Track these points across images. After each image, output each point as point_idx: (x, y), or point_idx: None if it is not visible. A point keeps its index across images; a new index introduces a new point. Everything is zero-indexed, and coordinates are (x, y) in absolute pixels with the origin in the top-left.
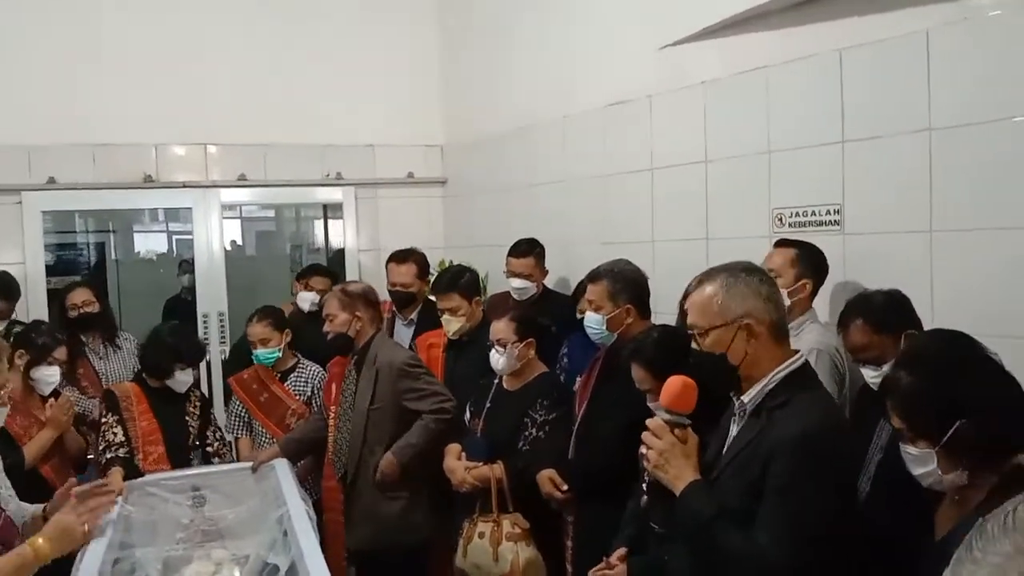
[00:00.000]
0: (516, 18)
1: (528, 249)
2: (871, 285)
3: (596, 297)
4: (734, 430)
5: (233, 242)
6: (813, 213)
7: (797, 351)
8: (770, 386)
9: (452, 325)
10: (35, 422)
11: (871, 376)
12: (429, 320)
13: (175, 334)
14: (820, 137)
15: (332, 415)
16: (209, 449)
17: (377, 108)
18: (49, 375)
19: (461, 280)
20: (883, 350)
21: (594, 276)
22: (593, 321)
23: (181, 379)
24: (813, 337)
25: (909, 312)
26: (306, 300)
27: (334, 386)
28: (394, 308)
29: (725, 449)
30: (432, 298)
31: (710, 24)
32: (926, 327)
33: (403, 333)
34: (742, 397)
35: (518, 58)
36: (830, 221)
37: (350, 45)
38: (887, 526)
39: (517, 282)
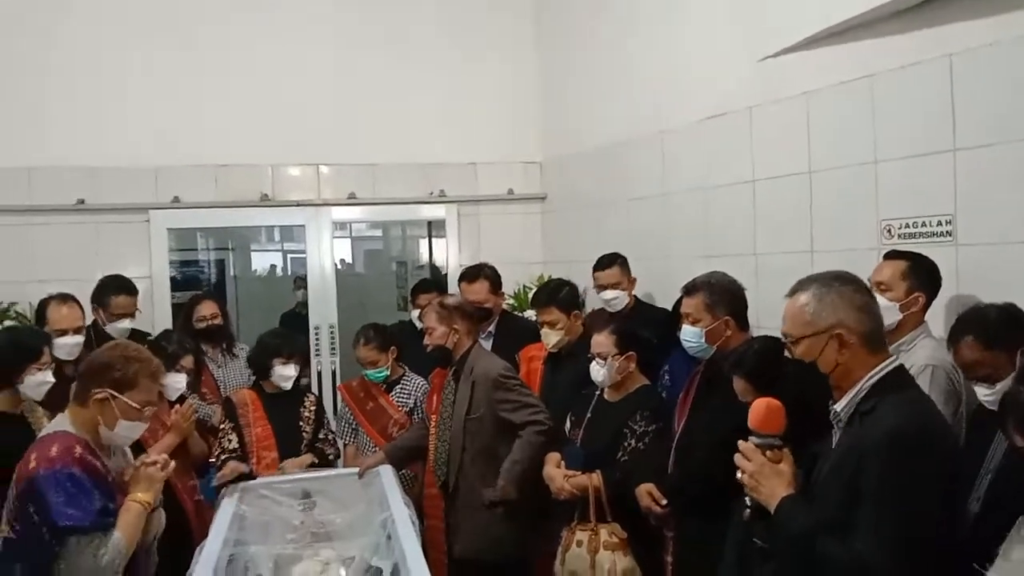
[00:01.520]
0: (614, 33)
1: (611, 260)
2: (986, 299)
3: (693, 310)
4: (834, 439)
5: (343, 260)
6: (924, 224)
7: (892, 356)
8: (862, 393)
9: (551, 338)
10: (161, 426)
11: (984, 394)
12: (508, 332)
13: (272, 333)
14: (930, 146)
15: (433, 424)
16: (318, 446)
17: (478, 126)
18: (177, 382)
19: (560, 294)
20: (996, 367)
21: (690, 289)
22: (690, 335)
23: (282, 373)
24: (927, 353)
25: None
26: (415, 317)
27: (435, 396)
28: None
29: (828, 458)
30: (508, 309)
31: (812, 34)
32: None
33: (480, 346)
34: (835, 407)
35: (616, 73)
36: (942, 232)
37: (452, 67)
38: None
39: (608, 293)
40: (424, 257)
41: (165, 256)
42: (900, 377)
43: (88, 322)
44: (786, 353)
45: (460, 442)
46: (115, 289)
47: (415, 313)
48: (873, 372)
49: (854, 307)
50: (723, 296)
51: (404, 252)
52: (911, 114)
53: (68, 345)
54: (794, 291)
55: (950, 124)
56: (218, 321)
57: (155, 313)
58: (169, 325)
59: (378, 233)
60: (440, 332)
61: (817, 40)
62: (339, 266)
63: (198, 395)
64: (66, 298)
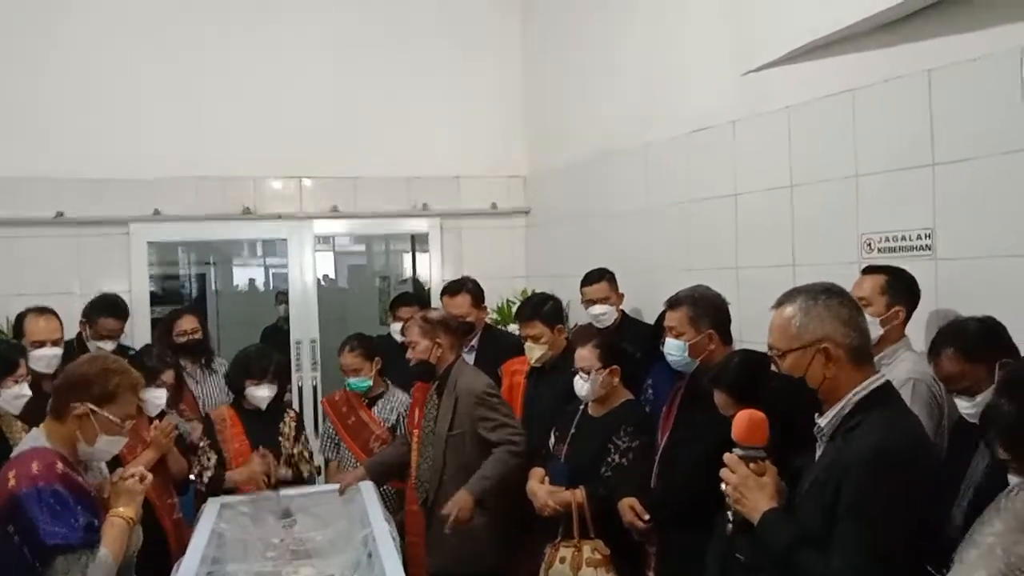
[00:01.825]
0: (597, 47)
1: (599, 275)
2: (966, 312)
3: (677, 323)
4: (817, 453)
5: (325, 276)
6: (903, 238)
7: (879, 373)
8: (847, 408)
9: (534, 352)
10: (140, 442)
11: (964, 407)
12: (491, 347)
13: (246, 353)
14: (909, 160)
15: (415, 439)
16: (293, 462)
17: (461, 140)
18: (157, 397)
19: (544, 308)
20: (976, 380)
21: (674, 302)
22: (674, 348)
23: (254, 394)
24: (908, 366)
25: (1003, 340)
26: (395, 330)
27: (417, 411)
28: None
29: (811, 473)
30: (491, 323)
31: (793, 48)
32: None
33: (464, 360)
34: (820, 421)
35: (599, 86)
36: (922, 246)
37: (435, 80)
38: None
39: (597, 308)
40: (408, 272)
41: (145, 269)
42: (887, 394)
43: (73, 335)
44: (772, 367)
45: (441, 458)
46: (106, 310)
47: (395, 327)
48: (859, 388)
49: (841, 321)
50: (706, 310)
51: (387, 267)
52: (891, 128)
53: (46, 357)
54: (780, 303)
55: (929, 139)
56: (198, 336)
57: (134, 327)
58: (148, 339)
59: (361, 248)
60: (423, 346)
61: (799, 55)
62: (322, 282)
63: (176, 411)
64: (44, 310)
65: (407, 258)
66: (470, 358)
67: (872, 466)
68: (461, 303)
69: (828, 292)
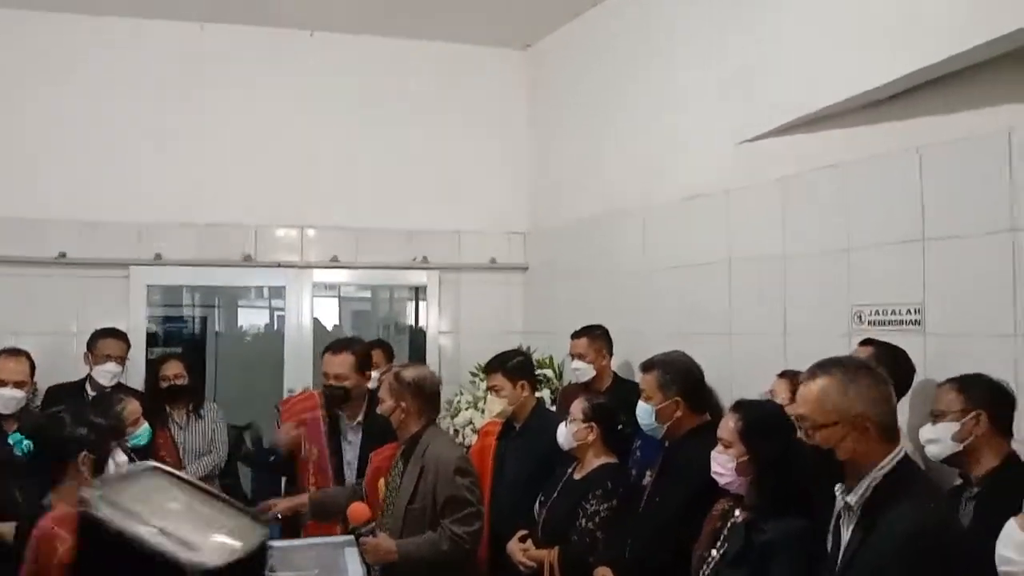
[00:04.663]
0: (601, 111)
1: (582, 332)
2: None
3: (647, 387)
4: (846, 534)
5: (334, 324)
6: (894, 312)
7: (899, 446)
8: (874, 484)
9: (494, 405)
10: None
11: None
12: (381, 428)
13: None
14: (900, 235)
15: (380, 510)
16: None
17: (464, 195)
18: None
19: (509, 362)
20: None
21: (647, 366)
22: (643, 412)
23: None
24: None
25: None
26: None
27: (379, 479)
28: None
29: (841, 553)
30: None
31: (787, 121)
32: (1015, 435)
33: (351, 436)
34: (847, 498)
35: (602, 150)
36: (911, 321)
37: (441, 136)
38: None
39: (574, 363)
40: (411, 320)
41: (143, 312)
42: (911, 470)
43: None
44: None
45: (399, 534)
46: (105, 332)
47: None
48: (884, 462)
49: (876, 399)
50: (676, 376)
51: (391, 314)
52: (882, 203)
53: (3, 398)
54: (813, 374)
55: (920, 215)
56: (182, 381)
57: (130, 369)
58: (142, 381)
59: (368, 295)
60: (386, 406)
61: (793, 127)
62: (330, 329)
63: (155, 459)
64: (15, 352)
65: (411, 306)
66: (357, 437)
67: (907, 557)
68: (341, 363)
69: (864, 369)
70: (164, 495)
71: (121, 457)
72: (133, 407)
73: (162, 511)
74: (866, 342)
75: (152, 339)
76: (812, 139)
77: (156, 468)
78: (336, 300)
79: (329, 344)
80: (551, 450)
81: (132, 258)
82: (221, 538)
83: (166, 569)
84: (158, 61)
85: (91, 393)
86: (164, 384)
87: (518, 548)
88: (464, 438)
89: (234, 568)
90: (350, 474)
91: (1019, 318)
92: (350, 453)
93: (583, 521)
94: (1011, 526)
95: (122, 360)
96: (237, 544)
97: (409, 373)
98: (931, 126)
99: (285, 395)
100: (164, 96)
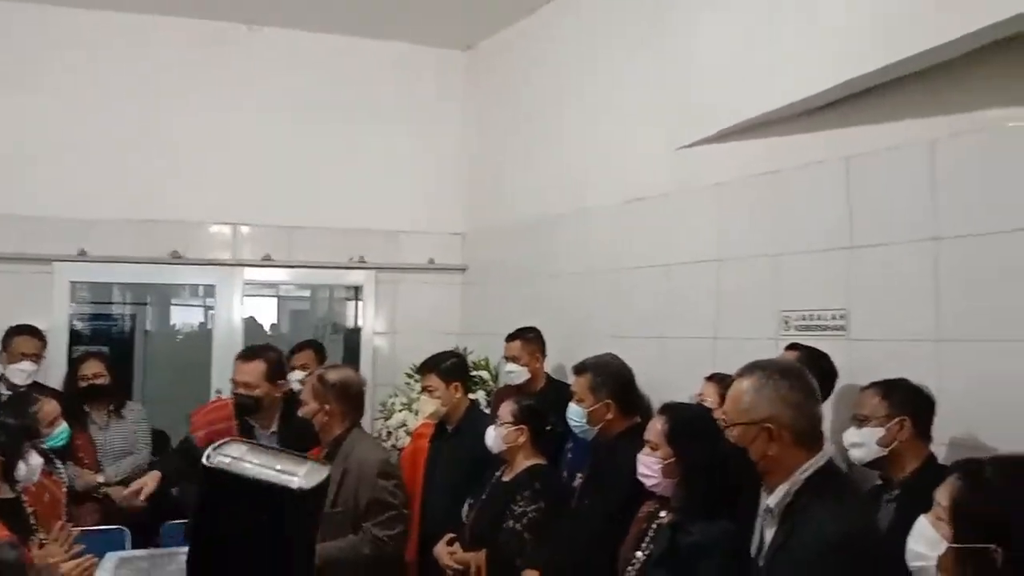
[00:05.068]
0: (541, 114)
1: (516, 335)
2: None
3: (579, 389)
4: (768, 534)
5: (254, 320)
6: (819, 317)
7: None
8: (795, 488)
9: (426, 406)
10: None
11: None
12: (297, 435)
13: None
14: (828, 242)
15: None
16: None
17: (401, 195)
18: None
19: (443, 363)
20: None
21: (579, 369)
22: (574, 414)
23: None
24: None
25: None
26: (293, 379)
27: None
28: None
29: (763, 556)
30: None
31: (724, 128)
32: (934, 438)
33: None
34: (768, 501)
35: (540, 151)
36: (836, 326)
37: (379, 135)
38: None
39: (508, 366)
40: (351, 320)
41: (66, 309)
42: (832, 475)
43: None
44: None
45: (321, 536)
46: (20, 330)
47: (292, 376)
48: (806, 465)
49: (788, 404)
50: (607, 379)
51: (330, 314)
52: (811, 211)
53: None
54: (741, 374)
55: (848, 222)
56: (102, 381)
57: (50, 368)
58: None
59: (307, 294)
60: (309, 409)
61: (729, 134)
62: (269, 332)
63: (73, 460)
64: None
65: (351, 306)
66: (272, 442)
67: (825, 559)
68: (252, 371)
69: (783, 373)
70: (251, 450)
71: (35, 459)
72: (50, 407)
73: (258, 457)
74: (792, 347)
75: (78, 337)
76: (748, 146)
77: (234, 439)
78: (275, 300)
79: (241, 351)
80: (483, 452)
81: (55, 254)
82: (306, 467)
83: (277, 496)
84: (84, 52)
85: (5, 393)
86: (83, 383)
87: (445, 551)
88: (397, 440)
89: (319, 490)
90: None
91: (940, 324)
92: None
93: (511, 523)
94: (922, 522)
95: (38, 358)
96: (322, 470)
97: (333, 375)
98: (860, 136)
99: (212, 396)
100: (90, 88)
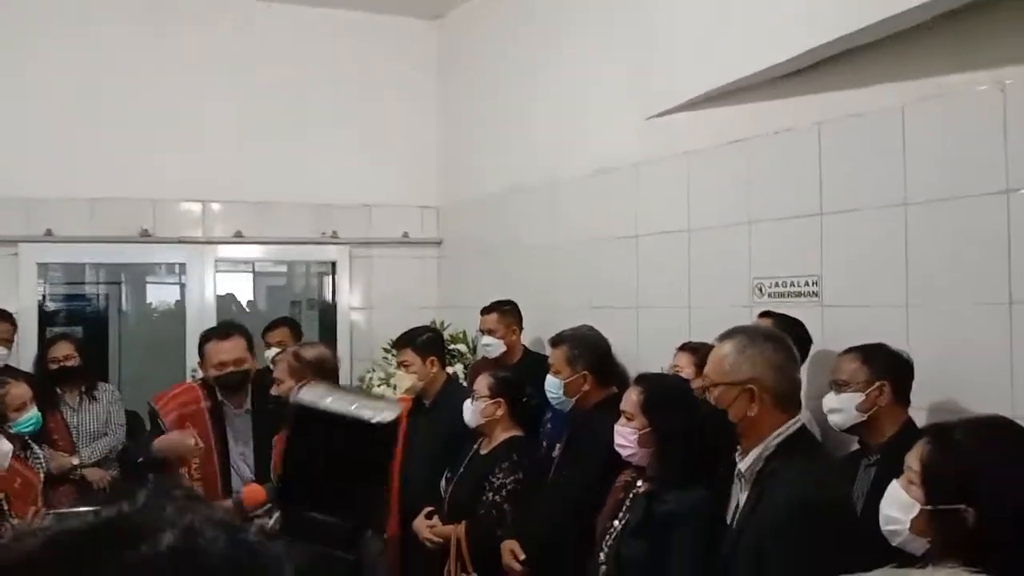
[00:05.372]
0: (511, 85)
1: (492, 307)
2: None
3: (556, 361)
4: (741, 498)
5: (233, 296)
6: (792, 284)
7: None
8: (767, 452)
9: (403, 381)
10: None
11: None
12: (271, 412)
13: None
14: (799, 209)
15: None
16: None
17: (374, 169)
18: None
19: (418, 338)
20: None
21: (556, 341)
22: (552, 385)
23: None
24: None
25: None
26: (267, 357)
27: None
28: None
29: (734, 520)
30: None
31: (694, 96)
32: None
33: (239, 425)
34: (740, 465)
35: (512, 123)
36: (809, 292)
37: (349, 108)
38: None
39: (484, 339)
40: (328, 296)
41: (34, 292)
42: (805, 440)
43: None
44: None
45: None
46: None
47: (267, 354)
48: (781, 430)
49: (771, 366)
50: (584, 351)
51: (306, 290)
52: (783, 178)
53: None
54: (722, 338)
55: (818, 189)
56: (73, 363)
57: (20, 351)
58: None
59: (283, 270)
60: (287, 387)
61: (699, 102)
62: (247, 309)
63: (47, 442)
64: None
65: (328, 282)
66: (246, 422)
67: (788, 530)
68: (233, 348)
69: (766, 336)
70: (332, 390)
71: (5, 445)
72: (19, 391)
73: (339, 397)
74: (765, 314)
75: (51, 318)
76: (718, 114)
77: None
78: (251, 276)
79: (211, 332)
80: (461, 426)
81: (20, 235)
82: (384, 403)
83: (359, 429)
84: (45, 26)
85: None
86: (53, 366)
87: (424, 525)
88: None
89: (394, 424)
90: (245, 468)
91: (911, 288)
92: (240, 444)
93: (490, 495)
94: (895, 487)
95: (8, 342)
96: (396, 408)
97: (309, 352)
98: (831, 102)
99: (188, 376)
100: (50, 60)
